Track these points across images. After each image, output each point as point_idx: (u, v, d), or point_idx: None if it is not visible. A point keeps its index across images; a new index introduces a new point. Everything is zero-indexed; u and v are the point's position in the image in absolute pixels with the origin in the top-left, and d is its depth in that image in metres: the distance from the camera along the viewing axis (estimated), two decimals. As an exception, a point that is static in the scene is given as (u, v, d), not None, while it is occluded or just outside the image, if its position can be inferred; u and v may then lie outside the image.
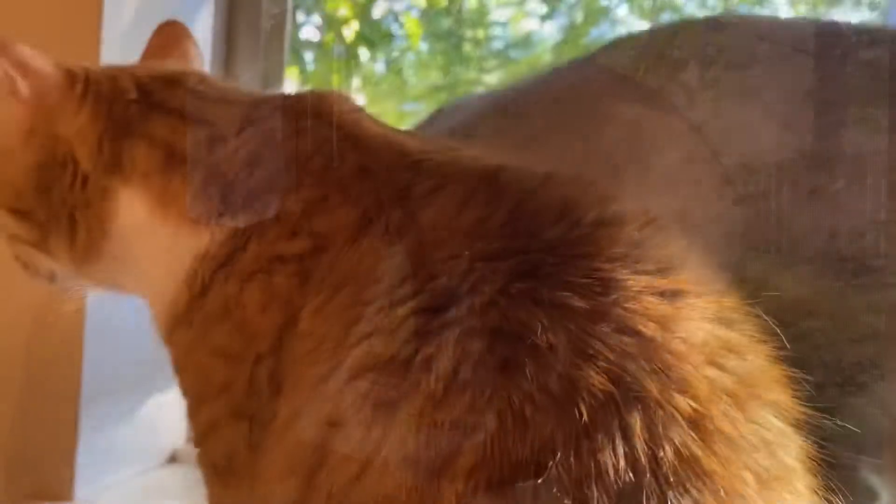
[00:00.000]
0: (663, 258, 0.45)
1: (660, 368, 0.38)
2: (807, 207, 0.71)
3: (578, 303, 0.40)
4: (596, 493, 0.35)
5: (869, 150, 0.71)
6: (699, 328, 0.41)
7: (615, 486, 0.35)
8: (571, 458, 0.35)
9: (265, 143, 0.57)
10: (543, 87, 0.87)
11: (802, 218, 0.71)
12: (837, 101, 0.73)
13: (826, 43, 0.77)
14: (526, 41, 2.08)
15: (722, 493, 0.36)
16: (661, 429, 0.36)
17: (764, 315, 0.66)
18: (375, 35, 1.71)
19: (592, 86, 0.83)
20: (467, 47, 2.10)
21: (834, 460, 0.66)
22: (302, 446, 0.43)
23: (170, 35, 0.72)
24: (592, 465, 0.35)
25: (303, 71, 1.76)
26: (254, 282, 0.53)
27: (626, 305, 0.40)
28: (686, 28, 0.83)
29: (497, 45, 2.11)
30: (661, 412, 0.37)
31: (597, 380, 0.37)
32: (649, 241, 0.46)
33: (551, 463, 0.35)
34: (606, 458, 0.35)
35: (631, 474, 0.35)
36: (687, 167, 0.75)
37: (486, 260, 0.44)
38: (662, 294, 0.42)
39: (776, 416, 0.42)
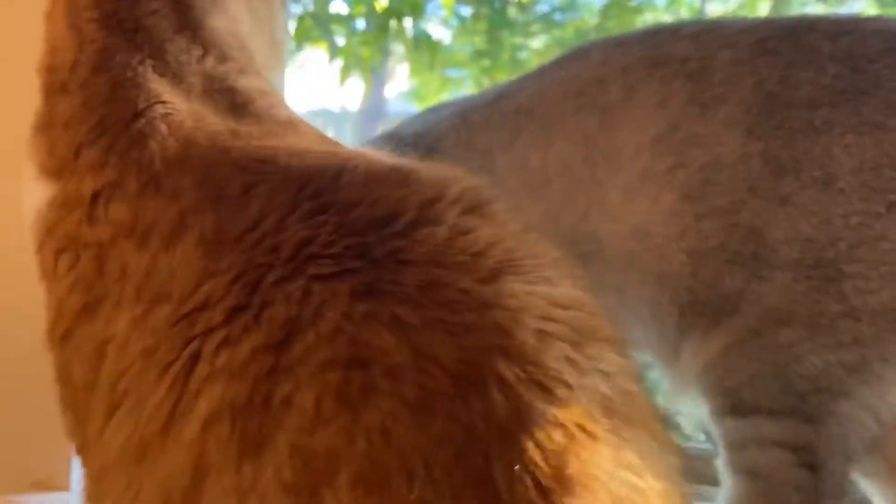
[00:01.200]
0: (478, 242, 0.45)
1: (493, 346, 0.40)
2: (779, 216, 0.68)
3: (413, 317, 0.41)
4: (464, 481, 0.37)
5: (838, 153, 0.67)
6: (524, 292, 0.43)
7: (485, 472, 0.37)
8: (440, 455, 0.38)
9: (87, 103, 0.56)
10: (506, 96, 0.84)
11: (775, 227, 0.68)
12: (803, 102, 0.69)
13: (791, 41, 0.73)
14: (572, 4, 2.03)
15: (574, 431, 0.39)
16: (504, 400, 0.39)
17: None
18: (406, 5, 1.67)
19: (552, 98, 0.80)
20: (511, 11, 2.06)
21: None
22: (169, 490, 0.42)
23: None
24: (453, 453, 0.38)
25: (332, 45, 1.74)
26: (62, 256, 0.53)
27: (452, 304, 0.42)
28: (646, 39, 0.80)
29: (542, 8, 2.06)
30: (499, 384, 0.39)
31: (446, 381, 0.39)
32: (463, 228, 0.46)
33: (422, 465, 0.37)
34: (468, 445, 0.38)
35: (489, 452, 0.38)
36: (643, 184, 0.73)
37: (322, 281, 0.43)
38: (481, 278, 0.43)
39: (612, 352, 0.45)
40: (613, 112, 0.74)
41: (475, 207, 0.49)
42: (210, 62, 0.60)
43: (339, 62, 1.70)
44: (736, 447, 0.68)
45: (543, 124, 0.78)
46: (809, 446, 0.66)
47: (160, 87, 0.57)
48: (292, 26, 1.73)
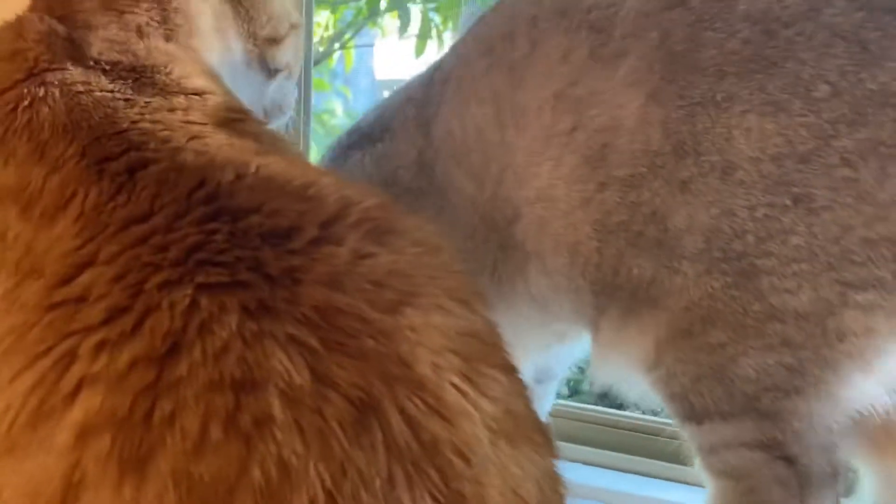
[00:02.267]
0: (378, 270, 0.45)
1: (393, 376, 0.41)
2: (678, 201, 0.60)
3: (312, 339, 0.41)
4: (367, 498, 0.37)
5: (737, 137, 0.59)
6: (422, 325, 0.44)
7: (382, 491, 0.38)
8: (345, 486, 0.37)
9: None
10: (439, 67, 0.79)
11: (676, 213, 0.61)
12: (708, 69, 0.60)
13: None
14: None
15: (464, 451, 0.40)
16: (404, 426, 0.39)
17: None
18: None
19: (467, 60, 0.75)
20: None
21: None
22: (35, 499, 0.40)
23: None
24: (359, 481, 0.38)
25: (405, 16, 1.64)
26: None
27: (351, 330, 0.42)
28: None
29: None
30: (402, 415, 0.40)
31: (347, 409, 0.39)
32: (363, 252, 0.46)
33: (325, 497, 0.37)
34: (372, 472, 0.38)
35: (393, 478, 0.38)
36: (546, 145, 0.66)
37: (211, 292, 0.42)
38: (382, 307, 0.43)
39: (502, 374, 0.46)
40: (519, 68, 0.69)
41: (376, 231, 0.48)
42: (113, 29, 0.59)
43: (413, 33, 1.64)
44: (706, 451, 0.64)
45: (461, 89, 0.74)
46: (776, 442, 0.60)
47: (61, 49, 0.57)
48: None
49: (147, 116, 0.54)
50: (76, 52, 0.57)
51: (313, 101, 1.24)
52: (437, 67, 0.79)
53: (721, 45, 0.60)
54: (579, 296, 0.68)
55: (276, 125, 0.80)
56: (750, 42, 0.59)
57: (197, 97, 0.58)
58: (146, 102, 0.55)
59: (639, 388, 0.69)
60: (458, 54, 0.77)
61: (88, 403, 0.39)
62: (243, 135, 0.56)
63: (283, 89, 0.78)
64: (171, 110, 0.56)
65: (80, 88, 0.55)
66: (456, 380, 0.43)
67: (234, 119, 0.58)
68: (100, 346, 0.41)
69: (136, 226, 0.46)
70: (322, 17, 1.71)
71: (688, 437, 0.64)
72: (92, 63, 0.57)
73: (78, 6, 0.61)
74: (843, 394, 0.59)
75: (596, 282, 0.66)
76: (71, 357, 0.41)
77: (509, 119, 0.69)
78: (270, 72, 0.75)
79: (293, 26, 0.77)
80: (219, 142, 0.53)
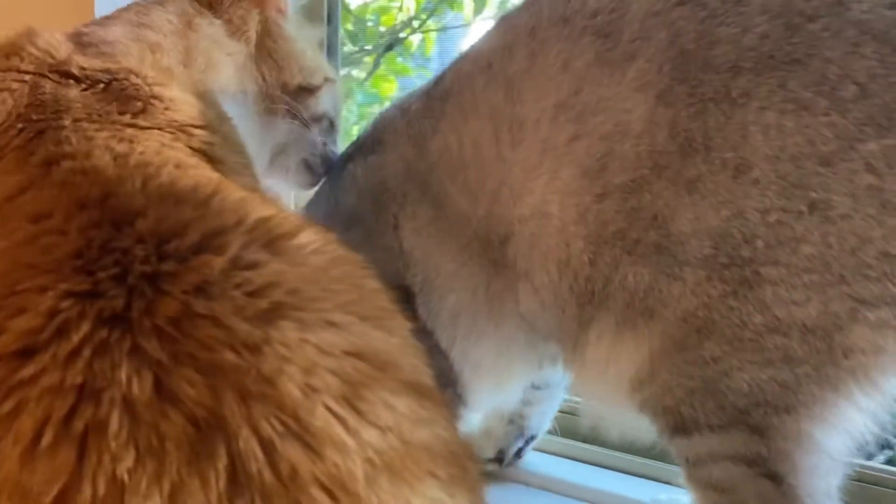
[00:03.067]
0: (258, 280, 0.43)
1: (251, 394, 0.38)
2: (685, 202, 0.58)
3: (159, 351, 0.39)
4: None
5: (754, 133, 0.55)
6: (297, 340, 0.41)
7: None
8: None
9: None
10: (438, 80, 0.78)
11: (681, 215, 0.58)
12: (722, 65, 0.57)
13: None
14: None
15: (331, 487, 0.37)
16: (258, 451, 0.36)
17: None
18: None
19: (467, 75, 0.73)
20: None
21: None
22: None
23: None
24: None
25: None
26: None
27: (208, 341, 0.39)
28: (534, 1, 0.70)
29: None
30: (257, 439, 0.37)
31: (187, 427, 0.37)
32: (247, 262, 0.44)
33: None
34: (211, 496, 0.35)
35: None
36: (542, 158, 0.65)
37: (76, 298, 0.41)
38: (252, 319, 0.41)
39: (401, 398, 0.43)
40: (518, 81, 0.67)
41: (270, 241, 0.46)
42: (125, 39, 0.65)
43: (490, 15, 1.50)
44: (692, 464, 0.62)
45: (459, 104, 0.72)
46: (760, 458, 0.58)
47: (54, 55, 0.62)
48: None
49: (92, 116, 0.55)
50: (66, 58, 0.61)
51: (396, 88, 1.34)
52: (436, 82, 0.78)
53: (736, 41, 0.57)
54: (565, 311, 0.65)
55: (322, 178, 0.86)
56: (769, 37, 0.56)
57: (160, 106, 0.59)
58: (100, 103, 0.57)
59: (623, 419, 0.67)
60: (458, 69, 0.75)
61: None
62: (195, 150, 0.57)
63: (327, 137, 0.84)
64: (121, 113, 0.57)
65: (47, 87, 0.58)
66: (332, 404, 0.39)
67: (195, 135, 0.58)
68: None
69: (32, 224, 0.46)
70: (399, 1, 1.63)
71: (674, 450, 0.62)
72: (75, 69, 0.60)
73: (111, 18, 0.69)
74: (842, 414, 0.56)
75: (583, 294, 0.63)
76: None
77: (506, 134, 0.67)
78: (307, 122, 0.80)
79: (328, 80, 0.82)
80: (149, 148, 0.54)
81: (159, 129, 0.57)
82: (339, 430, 0.39)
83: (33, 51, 0.62)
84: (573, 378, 0.71)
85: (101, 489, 0.35)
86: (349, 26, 1.41)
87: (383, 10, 1.50)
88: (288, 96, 0.78)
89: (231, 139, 0.64)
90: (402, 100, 0.82)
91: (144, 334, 0.39)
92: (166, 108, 0.59)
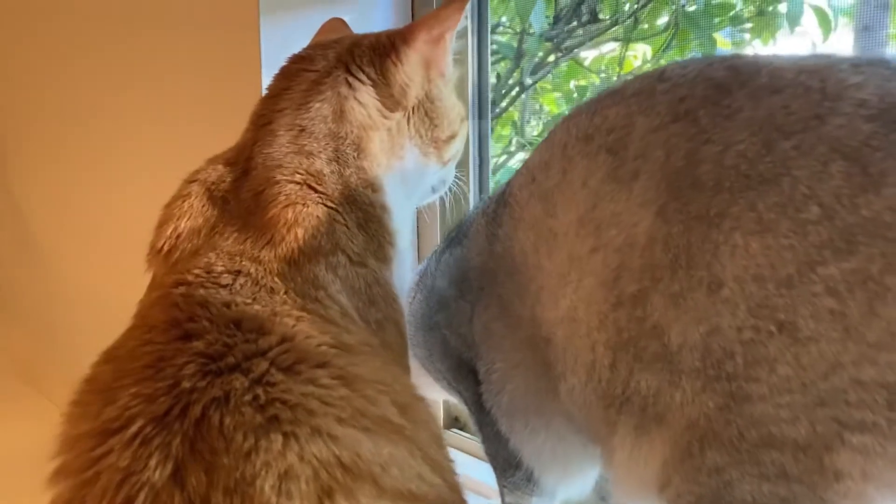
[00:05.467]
0: (264, 397, 0.55)
1: (234, 490, 0.49)
2: (672, 315, 0.59)
3: (180, 449, 0.52)
4: None
5: (725, 253, 0.56)
6: (280, 451, 0.51)
7: None
8: None
9: None
10: (505, 186, 0.83)
11: (673, 327, 0.59)
12: (706, 184, 0.58)
13: (712, 101, 0.60)
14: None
15: None
16: None
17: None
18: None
19: (518, 187, 0.78)
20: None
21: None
22: None
23: (333, 26, 0.95)
24: None
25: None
26: None
27: (215, 445, 0.52)
28: (591, 106, 0.71)
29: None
30: None
31: None
32: (268, 380, 0.56)
33: None
34: None
35: None
36: (570, 268, 0.68)
37: (140, 399, 0.55)
38: (250, 430, 0.52)
39: (372, 499, 0.52)
40: (552, 195, 0.71)
41: (291, 365, 0.57)
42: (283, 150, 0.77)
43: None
44: None
45: (511, 214, 0.78)
46: None
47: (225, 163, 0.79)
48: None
49: (224, 244, 0.72)
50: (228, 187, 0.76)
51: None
52: (503, 187, 0.84)
53: (719, 160, 0.58)
54: (594, 414, 0.69)
55: (439, 195, 0.94)
56: (746, 155, 0.57)
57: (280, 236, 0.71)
58: (237, 230, 0.73)
59: None
60: (515, 179, 0.81)
61: None
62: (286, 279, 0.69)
63: (449, 168, 0.91)
64: (246, 241, 0.71)
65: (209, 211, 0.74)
66: (300, 503, 0.49)
67: (298, 271, 0.70)
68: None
69: (143, 333, 0.62)
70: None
71: None
72: (231, 196, 0.75)
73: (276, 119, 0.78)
74: None
75: (606, 397, 0.66)
76: None
77: (544, 245, 0.72)
78: (445, 161, 0.88)
79: (464, 120, 0.90)
80: (249, 280, 0.67)
81: (260, 260, 0.69)
82: None
83: (202, 176, 0.78)
84: (611, 481, 0.73)
85: None
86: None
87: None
88: (436, 146, 0.85)
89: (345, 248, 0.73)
90: (486, 200, 0.91)
91: (173, 434, 0.52)
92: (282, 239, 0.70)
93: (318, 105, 0.77)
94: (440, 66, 0.83)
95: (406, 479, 0.55)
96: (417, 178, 0.86)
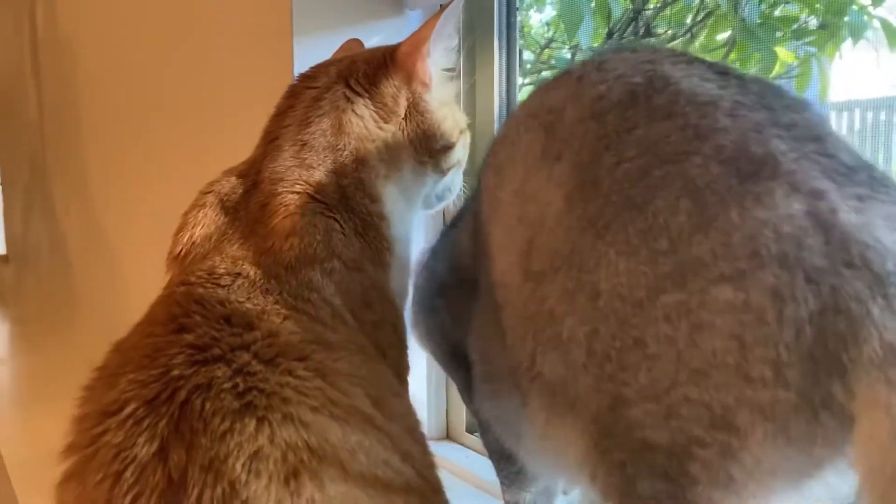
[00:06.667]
0: (242, 385, 0.60)
1: (208, 468, 0.55)
2: (564, 308, 0.61)
3: (166, 429, 0.58)
4: None
5: (603, 265, 0.58)
6: (252, 434, 0.57)
7: None
8: None
9: None
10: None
11: (563, 320, 0.62)
12: (600, 191, 0.60)
13: (620, 106, 0.62)
14: None
15: None
16: None
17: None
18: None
19: (485, 161, 0.80)
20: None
21: None
22: None
23: (349, 46, 1.02)
24: None
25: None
26: None
27: (195, 426, 0.57)
28: (533, 92, 0.73)
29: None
30: (205, 496, 0.54)
31: (160, 479, 0.55)
32: (248, 370, 0.61)
33: None
34: None
35: None
36: (503, 235, 0.71)
37: (135, 385, 0.61)
38: (226, 415, 0.58)
39: (333, 482, 0.56)
40: (502, 168, 0.74)
41: (272, 357, 0.63)
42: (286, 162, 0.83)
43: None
44: None
45: (479, 190, 0.81)
46: None
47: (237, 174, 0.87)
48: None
49: (228, 244, 0.79)
50: (238, 197, 0.84)
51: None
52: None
53: (612, 171, 0.60)
54: (513, 380, 0.71)
55: (446, 202, 0.99)
56: (630, 175, 0.59)
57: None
58: (239, 231, 0.80)
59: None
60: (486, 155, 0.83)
61: None
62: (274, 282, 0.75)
63: (454, 177, 0.96)
64: (249, 241, 0.79)
65: (220, 220, 0.82)
66: (267, 482, 0.54)
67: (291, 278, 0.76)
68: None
69: (146, 326, 0.69)
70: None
71: None
72: (241, 207, 0.82)
73: (282, 134, 0.85)
74: None
75: (516, 364, 0.69)
76: None
77: (494, 214, 0.75)
78: (444, 171, 0.92)
79: (462, 131, 0.94)
80: (247, 280, 0.74)
81: (256, 262, 0.75)
82: (265, 500, 0.53)
83: (216, 187, 0.85)
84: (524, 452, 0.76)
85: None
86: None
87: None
88: (431, 156, 0.89)
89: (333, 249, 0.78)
90: None
91: (160, 416, 0.58)
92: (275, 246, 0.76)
93: (317, 119, 0.84)
94: (422, 78, 0.88)
95: (373, 465, 0.60)
96: (416, 187, 0.90)
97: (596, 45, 1.41)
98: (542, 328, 0.65)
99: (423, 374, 1.33)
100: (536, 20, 1.60)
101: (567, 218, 0.63)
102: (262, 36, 1.33)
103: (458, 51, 0.99)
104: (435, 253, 0.97)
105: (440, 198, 0.97)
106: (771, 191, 0.53)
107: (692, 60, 0.66)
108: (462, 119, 0.95)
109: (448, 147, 0.91)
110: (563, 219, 0.63)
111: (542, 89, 0.74)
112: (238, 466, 0.55)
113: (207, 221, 0.82)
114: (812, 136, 0.58)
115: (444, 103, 0.91)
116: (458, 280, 0.86)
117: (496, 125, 1.33)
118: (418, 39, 0.87)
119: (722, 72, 0.64)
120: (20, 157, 3.91)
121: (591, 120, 0.64)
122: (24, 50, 3.44)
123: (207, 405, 0.58)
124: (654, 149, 0.59)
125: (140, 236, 2.08)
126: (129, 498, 0.55)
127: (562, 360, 0.63)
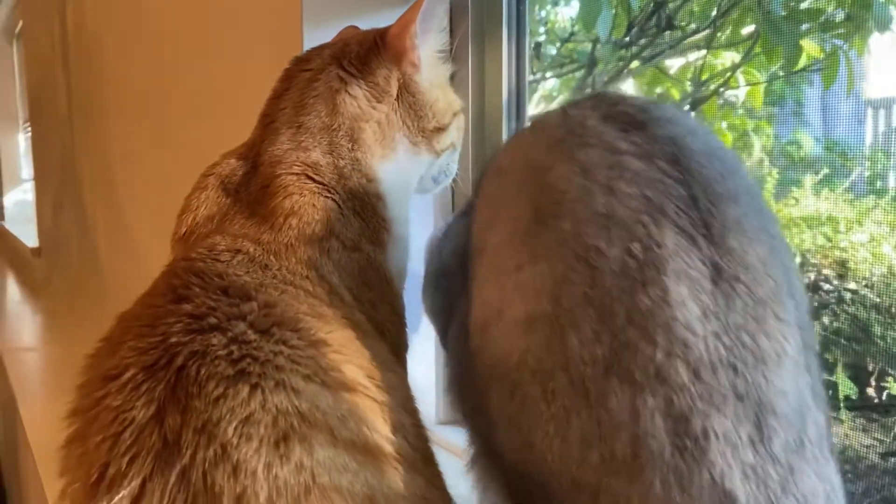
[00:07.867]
0: (237, 353, 0.62)
1: (202, 430, 0.57)
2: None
3: (163, 393, 0.60)
4: None
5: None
6: (245, 399, 0.59)
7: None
8: None
9: None
10: None
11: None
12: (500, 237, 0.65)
13: (528, 175, 0.66)
14: None
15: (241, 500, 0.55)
16: (198, 467, 0.56)
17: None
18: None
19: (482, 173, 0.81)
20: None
21: None
22: None
23: (348, 32, 1.02)
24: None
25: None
26: None
27: (190, 391, 0.60)
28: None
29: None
30: (195, 460, 0.57)
31: (156, 440, 0.58)
32: (243, 339, 0.64)
33: None
34: (165, 490, 0.56)
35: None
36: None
37: (135, 352, 0.63)
38: (220, 381, 0.60)
39: (322, 447, 0.58)
40: (487, 203, 0.74)
41: (268, 327, 0.64)
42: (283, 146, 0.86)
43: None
44: None
45: (474, 202, 0.81)
46: None
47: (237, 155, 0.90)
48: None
49: (228, 225, 0.82)
50: (239, 179, 0.87)
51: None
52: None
53: (513, 216, 0.66)
54: None
55: (443, 185, 1.00)
56: (519, 219, 0.65)
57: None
58: (240, 212, 0.84)
59: None
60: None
61: None
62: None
63: (449, 159, 0.98)
64: (251, 220, 0.82)
65: (222, 200, 0.86)
66: (257, 445, 0.56)
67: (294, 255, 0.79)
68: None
69: (148, 297, 0.71)
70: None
71: None
72: (242, 188, 0.86)
73: (279, 117, 0.88)
74: None
75: None
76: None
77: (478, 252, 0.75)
78: (438, 152, 0.94)
79: (456, 114, 0.96)
80: (246, 256, 0.76)
81: (259, 240, 0.78)
82: (255, 463, 0.55)
83: (217, 169, 0.89)
84: None
85: (113, 470, 0.57)
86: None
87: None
88: (424, 136, 0.91)
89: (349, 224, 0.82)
90: None
91: (158, 381, 0.60)
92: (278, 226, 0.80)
93: (312, 101, 0.86)
94: (411, 59, 0.89)
95: (362, 432, 0.62)
96: (411, 167, 0.92)
97: (616, 37, 1.41)
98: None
99: (430, 358, 1.35)
100: (563, 15, 1.60)
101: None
102: (273, 29, 1.36)
103: (449, 33, 1.00)
104: (447, 232, 0.97)
105: (436, 180, 0.99)
106: None
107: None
108: (455, 102, 0.96)
109: (441, 128, 0.93)
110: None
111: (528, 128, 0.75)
112: (230, 430, 0.57)
113: (209, 203, 0.85)
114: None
115: (435, 85, 0.93)
116: (461, 269, 0.86)
117: (504, 115, 1.34)
118: (406, 21, 0.89)
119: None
120: (52, 151, 3.99)
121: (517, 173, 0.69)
122: (55, 47, 3.52)
123: (202, 371, 0.60)
124: (498, 202, 0.71)
125: (163, 229, 2.12)
126: (126, 458, 0.58)
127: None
